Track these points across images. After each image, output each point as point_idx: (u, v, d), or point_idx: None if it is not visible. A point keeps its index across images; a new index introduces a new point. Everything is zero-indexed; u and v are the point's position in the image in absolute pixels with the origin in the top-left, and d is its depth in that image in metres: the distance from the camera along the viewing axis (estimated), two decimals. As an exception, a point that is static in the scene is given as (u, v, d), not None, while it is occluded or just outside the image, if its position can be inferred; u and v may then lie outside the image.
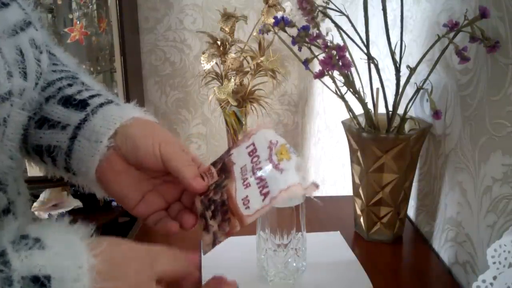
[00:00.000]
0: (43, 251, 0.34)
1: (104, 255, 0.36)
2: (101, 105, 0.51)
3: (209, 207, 0.47)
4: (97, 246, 0.36)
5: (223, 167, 0.49)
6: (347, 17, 0.69)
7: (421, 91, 0.71)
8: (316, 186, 0.42)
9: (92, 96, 0.51)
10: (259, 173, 0.44)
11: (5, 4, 0.43)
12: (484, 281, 0.47)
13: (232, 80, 1.64)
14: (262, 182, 0.43)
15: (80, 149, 0.49)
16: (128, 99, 1.81)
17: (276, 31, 0.71)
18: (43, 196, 1.90)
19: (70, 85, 0.53)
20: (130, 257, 0.39)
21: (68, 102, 0.51)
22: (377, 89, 0.74)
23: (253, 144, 0.47)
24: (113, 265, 0.37)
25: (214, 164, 0.51)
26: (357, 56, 0.73)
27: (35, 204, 1.89)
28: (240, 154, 0.48)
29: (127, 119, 0.50)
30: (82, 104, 0.50)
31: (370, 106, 0.75)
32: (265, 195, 0.42)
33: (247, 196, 0.44)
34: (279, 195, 0.41)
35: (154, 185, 0.52)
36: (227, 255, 0.67)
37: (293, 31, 0.69)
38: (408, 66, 0.69)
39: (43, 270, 0.33)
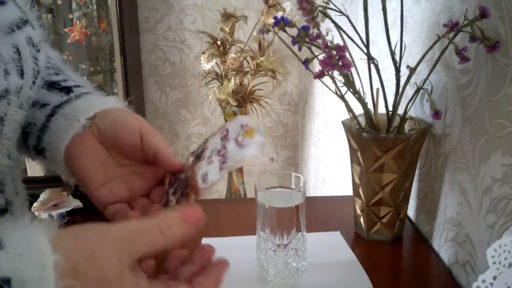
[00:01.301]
0: (1, 252, 0.32)
1: (69, 249, 0.34)
2: (85, 93, 0.52)
3: (173, 184, 0.48)
4: (61, 240, 0.34)
5: (199, 153, 0.51)
6: (347, 17, 0.69)
7: (421, 91, 0.71)
8: (271, 160, 0.44)
9: (77, 86, 0.53)
10: (222, 151, 0.47)
11: (1, 2, 0.43)
12: (484, 281, 0.47)
13: (232, 80, 1.64)
14: (223, 159, 0.46)
15: (55, 126, 0.49)
16: (128, 99, 1.81)
17: (276, 31, 0.71)
18: (43, 196, 1.90)
19: (56, 74, 0.54)
20: (98, 247, 0.35)
21: (52, 86, 0.52)
22: (377, 89, 0.75)
23: (227, 129, 0.50)
24: (79, 259, 0.34)
25: (192, 153, 0.52)
26: (357, 56, 0.73)
27: (35, 204, 1.89)
28: (215, 140, 0.50)
29: (108, 107, 0.51)
30: (66, 90, 0.52)
31: (370, 106, 0.75)
32: (222, 168, 0.45)
33: (206, 172, 0.45)
34: (233, 164, 0.44)
35: (121, 174, 0.50)
36: (227, 255, 0.67)
37: (293, 31, 0.69)
38: (408, 66, 0.69)
39: (2, 272, 0.31)
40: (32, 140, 0.51)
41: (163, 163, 0.48)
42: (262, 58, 1.66)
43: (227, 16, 1.64)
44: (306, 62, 0.72)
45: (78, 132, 0.49)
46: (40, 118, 0.50)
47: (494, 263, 0.47)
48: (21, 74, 0.44)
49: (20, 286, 0.31)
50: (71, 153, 0.49)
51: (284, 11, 1.59)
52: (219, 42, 1.66)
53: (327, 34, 0.68)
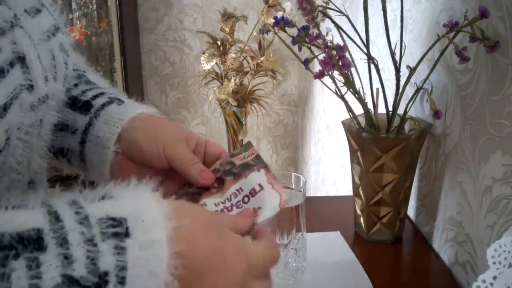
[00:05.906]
0: (115, 201, 0.33)
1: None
2: (103, 106, 0.53)
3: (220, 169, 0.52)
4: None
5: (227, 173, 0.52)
6: (347, 17, 0.69)
7: (421, 91, 0.71)
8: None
9: (95, 96, 0.55)
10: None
11: (38, 10, 0.44)
12: (484, 281, 0.47)
13: (232, 80, 1.64)
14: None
15: (90, 153, 0.52)
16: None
17: (276, 31, 0.71)
18: (43, 196, 1.91)
19: (76, 85, 0.56)
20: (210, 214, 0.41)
21: (74, 104, 0.54)
22: (377, 89, 0.75)
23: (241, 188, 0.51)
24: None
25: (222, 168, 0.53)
26: (357, 56, 0.73)
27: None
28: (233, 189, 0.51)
29: (127, 121, 0.52)
30: (85, 106, 0.54)
31: (370, 106, 0.75)
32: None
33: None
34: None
35: (167, 173, 0.53)
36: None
37: (293, 31, 0.69)
38: (408, 66, 0.69)
39: (119, 213, 0.32)
40: (75, 164, 0.54)
41: (195, 184, 0.50)
42: (262, 58, 1.66)
43: (227, 16, 1.64)
44: (306, 62, 0.72)
45: (112, 158, 0.51)
46: (75, 145, 0.53)
47: (494, 263, 0.47)
48: (55, 79, 0.46)
49: (135, 221, 0.32)
50: (115, 177, 0.52)
51: (284, 11, 1.59)
52: (219, 42, 1.66)
53: (327, 34, 0.68)
